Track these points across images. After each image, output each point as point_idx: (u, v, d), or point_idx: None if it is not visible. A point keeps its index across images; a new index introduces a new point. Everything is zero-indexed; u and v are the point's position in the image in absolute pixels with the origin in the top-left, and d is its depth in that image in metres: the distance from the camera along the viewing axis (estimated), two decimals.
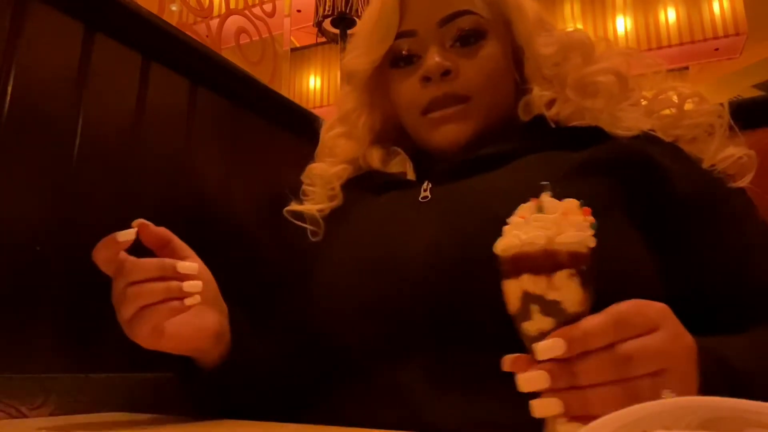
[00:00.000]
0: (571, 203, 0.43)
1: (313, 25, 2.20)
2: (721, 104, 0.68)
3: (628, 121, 0.67)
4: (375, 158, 0.79)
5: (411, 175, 0.75)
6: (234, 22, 1.62)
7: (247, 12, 1.68)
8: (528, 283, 0.42)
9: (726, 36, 3.71)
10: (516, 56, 0.76)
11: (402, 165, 0.77)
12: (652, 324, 0.42)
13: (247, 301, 0.72)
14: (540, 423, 0.45)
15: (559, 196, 0.45)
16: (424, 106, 0.73)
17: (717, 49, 3.85)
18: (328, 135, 0.85)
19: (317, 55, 4.81)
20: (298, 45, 4.75)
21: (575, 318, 0.42)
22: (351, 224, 0.73)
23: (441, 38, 0.72)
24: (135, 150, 0.83)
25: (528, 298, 0.43)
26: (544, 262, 0.42)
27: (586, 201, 0.60)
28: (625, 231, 0.61)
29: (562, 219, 0.42)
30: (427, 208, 0.68)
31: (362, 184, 0.79)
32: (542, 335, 0.43)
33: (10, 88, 0.68)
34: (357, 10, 2.10)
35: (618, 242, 0.59)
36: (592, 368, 0.40)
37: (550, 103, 0.71)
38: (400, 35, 0.73)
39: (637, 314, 0.42)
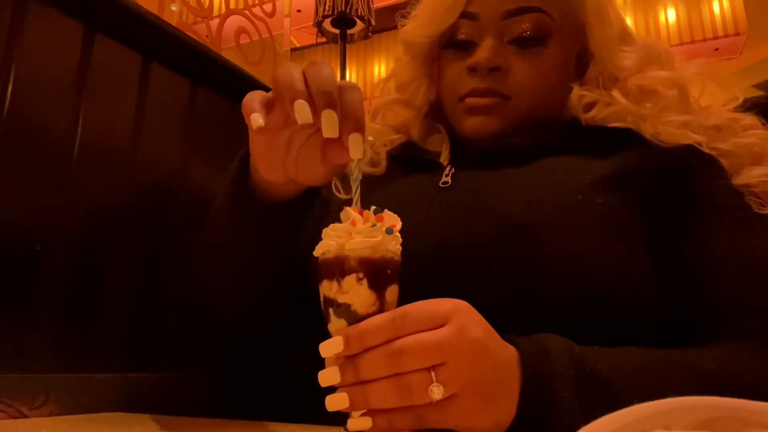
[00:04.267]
0: (367, 212, 0.46)
1: (313, 25, 2.20)
2: None
3: (670, 136, 0.65)
4: (416, 131, 0.79)
5: (446, 155, 0.74)
6: (234, 22, 1.62)
7: (247, 12, 1.68)
8: (325, 287, 0.46)
9: (726, 36, 3.72)
10: (581, 60, 0.74)
11: (439, 144, 0.76)
12: (439, 320, 0.43)
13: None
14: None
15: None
16: (463, 94, 0.71)
17: (717, 49, 3.86)
18: (384, 101, 0.84)
19: (317, 55, 4.81)
20: (298, 45, 4.75)
21: (366, 319, 0.44)
22: (373, 199, 0.73)
23: (501, 31, 0.70)
24: (135, 150, 0.83)
25: (326, 302, 0.46)
26: (335, 268, 0.45)
27: (608, 213, 0.60)
28: (638, 247, 0.60)
29: (351, 227, 0.45)
30: (444, 196, 0.67)
31: (396, 156, 0.78)
32: None
33: (10, 88, 0.67)
34: (357, 10, 2.10)
35: (626, 256, 0.59)
36: (368, 363, 0.42)
37: (590, 105, 0.69)
38: (462, 15, 0.72)
39: (421, 311, 0.43)
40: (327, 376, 0.44)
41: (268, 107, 0.51)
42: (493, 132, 0.70)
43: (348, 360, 0.43)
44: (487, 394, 0.43)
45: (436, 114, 0.80)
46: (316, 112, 0.47)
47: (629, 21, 3.90)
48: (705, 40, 3.75)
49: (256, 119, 0.49)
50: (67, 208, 0.73)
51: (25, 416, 0.62)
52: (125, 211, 0.81)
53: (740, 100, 0.72)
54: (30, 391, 0.63)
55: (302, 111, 0.47)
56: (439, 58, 0.76)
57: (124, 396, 0.72)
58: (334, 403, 0.43)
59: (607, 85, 0.71)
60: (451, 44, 0.74)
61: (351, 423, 0.43)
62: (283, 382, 0.72)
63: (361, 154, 0.48)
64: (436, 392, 0.41)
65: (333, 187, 0.75)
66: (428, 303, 0.44)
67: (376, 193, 0.72)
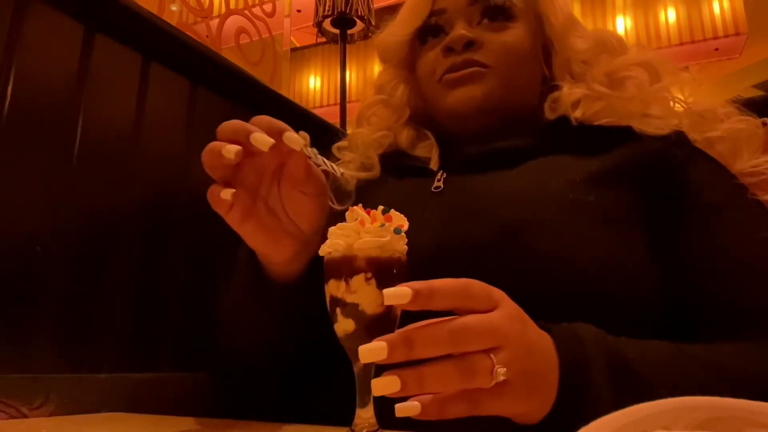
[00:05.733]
0: (374, 212, 0.45)
1: (313, 25, 2.20)
2: (763, 122, 0.68)
3: (659, 114, 0.66)
4: (404, 138, 0.81)
5: (435, 161, 0.76)
6: (234, 22, 1.62)
7: (247, 12, 1.68)
8: (332, 287, 0.45)
9: (726, 36, 3.72)
10: (546, 52, 0.77)
11: (428, 150, 0.78)
12: (492, 302, 0.43)
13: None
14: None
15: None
16: (441, 74, 0.74)
17: (717, 49, 3.86)
18: (365, 105, 0.87)
19: (317, 55, 4.81)
20: (298, 45, 4.75)
21: (375, 319, 0.44)
22: (368, 204, 0.73)
23: (469, 15, 0.74)
24: (135, 150, 0.83)
25: (333, 301, 0.45)
26: (343, 267, 0.44)
27: (600, 210, 0.60)
28: (632, 242, 0.60)
29: (360, 226, 0.44)
30: (437, 200, 0.68)
31: (387, 165, 0.79)
32: (347, 336, 0.45)
33: (10, 88, 0.67)
34: (357, 10, 2.10)
35: (620, 254, 0.59)
36: (427, 337, 0.40)
37: (576, 104, 0.70)
38: (431, 14, 0.76)
39: (480, 288, 0.43)
40: (373, 351, 0.39)
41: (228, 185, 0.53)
42: (477, 101, 0.72)
43: (399, 335, 0.40)
44: (532, 380, 0.43)
45: (421, 121, 0.82)
46: (246, 144, 0.50)
47: (629, 21, 3.90)
48: (705, 40, 3.75)
49: (226, 193, 0.51)
50: (68, 208, 0.73)
51: (25, 416, 0.62)
52: (125, 211, 0.81)
53: (702, 79, 0.73)
54: (30, 391, 0.63)
55: (260, 140, 0.50)
56: (415, 57, 0.80)
57: (124, 396, 0.72)
58: (383, 386, 0.39)
59: (575, 74, 0.73)
60: (424, 36, 0.78)
61: (399, 408, 0.40)
62: (284, 382, 0.72)
63: (301, 142, 0.51)
64: (501, 374, 0.40)
65: (333, 200, 0.77)
66: (480, 283, 0.43)
67: (370, 197, 0.72)
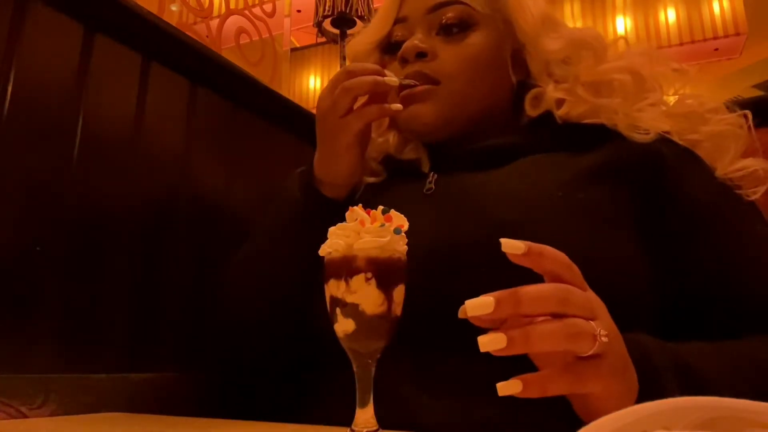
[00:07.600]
0: (374, 212, 0.46)
1: (313, 25, 2.20)
2: (744, 115, 0.68)
3: (645, 122, 0.66)
4: (391, 142, 0.81)
5: (425, 162, 0.76)
6: (234, 22, 1.62)
7: (247, 12, 1.68)
8: (332, 287, 0.45)
9: (726, 36, 3.72)
10: (519, 55, 0.76)
11: (416, 152, 0.78)
12: (584, 285, 0.44)
13: None
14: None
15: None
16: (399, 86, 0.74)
17: (717, 49, 3.86)
18: None
19: (317, 55, 4.80)
20: (298, 45, 4.75)
21: (375, 319, 0.44)
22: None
23: (428, 25, 0.75)
24: (135, 150, 0.83)
25: (333, 301, 0.46)
26: (343, 268, 0.45)
27: (590, 207, 0.60)
28: (623, 239, 0.60)
29: (360, 226, 0.45)
30: (430, 202, 0.68)
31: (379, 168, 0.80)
32: (347, 336, 0.45)
33: (10, 88, 0.67)
34: (357, 10, 2.09)
35: (612, 251, 0.59)
36: (536, 293, 0.40)
37: (560, 102, 0.70)
38: (396, 21, 0.78)
39: (577, 270, 0.44)
40: (480, 305, 0.39)
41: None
42: (427, 119, 0.72)
43: (507, 291, 0.40)
44: (622, 360, 0.44)
45: None
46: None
47: (629, 21, 3.90)
48: (705, 40, 3.75)
49: (393, 80, 0.68)
50: (67, 208, 0.73)
51: (25, 416, 0.62)
52: (125, 211, 0.81)
53: (691, 72, 0.73)
54: (30, 391, 0.63)
55: (390, 81, 0.68)
56: (384, 65, 0.80)
57: (124, 396, 0.72)
58: (489, 342, 0.39)
59: (556, 76, 0.72)
60: (388, 48, 0.79)
61: (501, 386, 0.40)
62: (284, 382, 0.72)
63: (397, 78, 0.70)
64: (604, 336, 0.40)
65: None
66: (577, 269, 0.44)
67: (366, 201, 0.72)
